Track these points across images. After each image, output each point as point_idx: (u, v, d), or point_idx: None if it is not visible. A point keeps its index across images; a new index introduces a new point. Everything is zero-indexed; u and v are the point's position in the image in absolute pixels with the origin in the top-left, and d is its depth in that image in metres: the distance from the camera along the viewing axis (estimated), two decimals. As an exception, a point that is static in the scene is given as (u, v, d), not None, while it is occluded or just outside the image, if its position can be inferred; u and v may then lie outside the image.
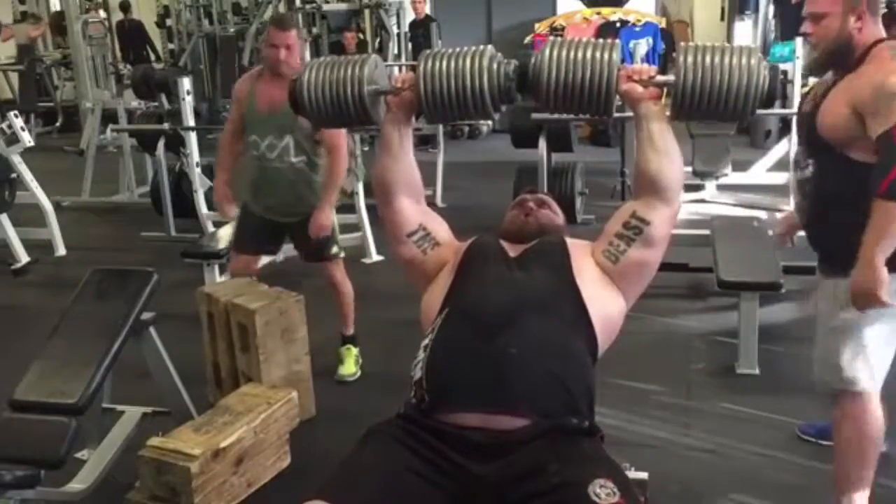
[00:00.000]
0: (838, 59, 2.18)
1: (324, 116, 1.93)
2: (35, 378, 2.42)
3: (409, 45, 9.25)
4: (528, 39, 9.47)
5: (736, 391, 3.26)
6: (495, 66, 1.81)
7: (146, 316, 2.64)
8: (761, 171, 6.19)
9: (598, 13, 9.39)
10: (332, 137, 3.27)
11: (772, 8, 8.99)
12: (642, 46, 8.19)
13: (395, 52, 9.12)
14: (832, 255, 2.23)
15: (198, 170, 5.45)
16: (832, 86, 2.20)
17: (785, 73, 5.81)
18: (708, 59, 1.72)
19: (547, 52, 1.78)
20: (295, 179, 3.32)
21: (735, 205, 5.80)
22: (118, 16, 12.19)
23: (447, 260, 1.96)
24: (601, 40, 1.81)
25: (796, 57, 5.82)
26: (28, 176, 5.52)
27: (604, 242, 1.89)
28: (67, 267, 5.35)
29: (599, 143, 8.29)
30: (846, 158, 2.13)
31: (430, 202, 5.95)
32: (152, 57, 11.98)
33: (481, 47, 1.84)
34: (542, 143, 5.34)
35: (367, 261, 5.14)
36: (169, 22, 12.52)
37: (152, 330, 2.69)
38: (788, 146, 5.73)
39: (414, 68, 1.87)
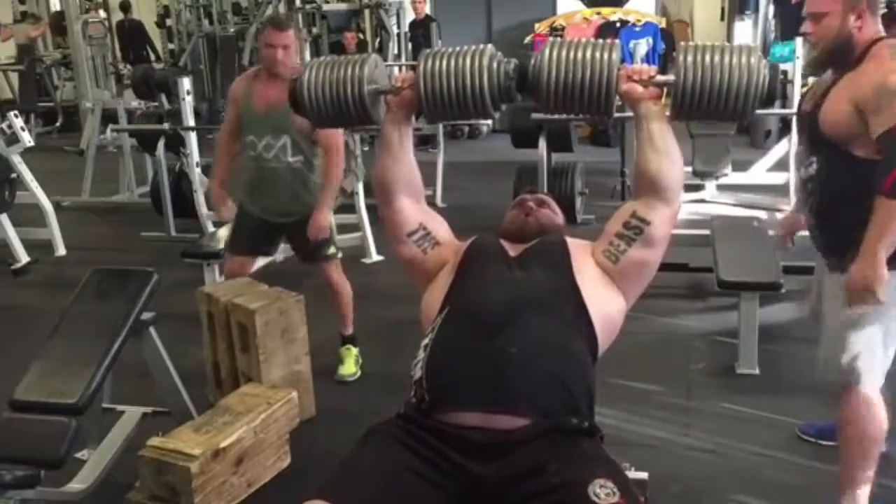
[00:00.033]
0: (838, 57, 2.20)
1: (324, 116, 1.93)
2: (35, 378, 2.42)
3: (409, 45, 9.25)
4: (528, 39, 9.47)
5: (736, 391, 3.26)
6: (495, 65, 1.81)
7: (146, 316, 2.64)
8: (761, 171, 6.19)
9: (598, 13, 9.39)
10: (329, 138, 3.27)
11: (772, 8, 8.99)
12: (642, 46, 8.19)
13: (395, 52, 9.12)
14: (839, 252, 2.23)
15: (198, 170, 5.45)
16: (833, 84, 2.21)
17: (785, 73, 5.81)
18: (708, 58, 1.72)
19: (546, 52, 1.78)
20: (292, 179, 3.32)
21: (735, 205, 5.80)
22: (118, 16, 12.19)
23: (447, 259, 1.96)
24: (601, 40, 1.81)
25: (796, 57, 5.82)
26: (28, 176, 5.53)
27: (604, 242, 1.89)
28: (67, 267, 5.35)
29: (599, 143, 8.29)
30: (849, 155, 2.15)
31: (430, 202, 5.95)
32: (152, 57, 11.98)
33: (481, 46, 1.84)
34: (542, 143, 5.35)
35: (367, 261, 5.14)
36: (169, 22, 12.52)
37: (152, 330, 2.68)
38: (788, 146, 5.74)
39: (414, 68, 1.88)
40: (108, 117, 7.45)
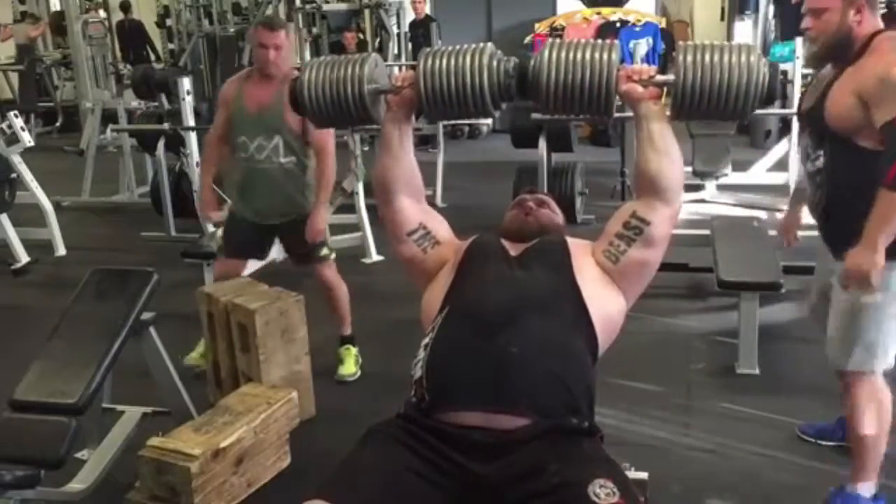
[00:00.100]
0: (838, 52, 2.23)
1: (324, 115, 1.93)
2: (35, 378, 2.42)
3: (409, 45, 9.25)
4: (528, 39, 9.47)
5: (736, 391, 3.26)
6: (495, 63, 1.81)
7: (146, 316, 2.63)
8: (761, 171, 6.20)
9: (598, 13, 9.38)
10: (320, 139, 3.27)
11: (772, 8, 8.99)
12: (642, 46, 8.19)
13: (395, 51, 9.12)
14: (848, 242, 2.23)
15: (198, 170, 5.44)
16: (835, 78, 2.23)
17: (785, 72, 5.81)
18: (707, 57, 1.72)
19: (546, 53, 1.78)
20: (284, 181, 3.31)
21: (735, 205, 5.80)
22: (118, 16, 12.19)
23: (447, 258, 1.96)
24: (600, 41, 1.81)
25: (796, 57, 5.82)
26: (28, 176, 5.53)
27: (604, 242, 1.89)
28: (67, 267, 5.35)
29: (599, 143, 8.30)
30: (856, 147, 2.18)
31: (430, 202, 5.92)
32: (152, 57, 11.98)
33: (481, 45, 1.84)
34: (542, 143, 5.35)
35: (367, 261, 5.14)
36: (169, 22, 12.51)
37: (152, 330, 2.68)
38: (788, 146, 5.74)
39: (414, 67, 1.87)
40: (108, 117, 7.45)
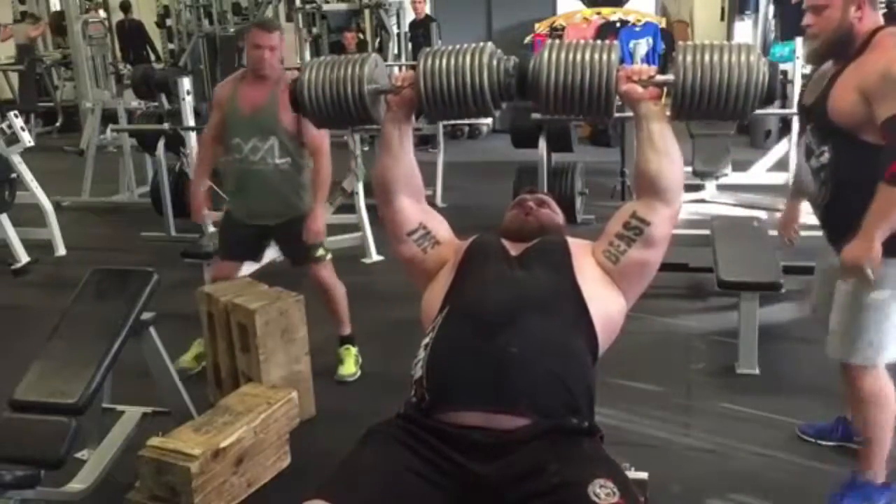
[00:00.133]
0: (838, 48, 2.25)
1: (324, 116, 1.93)
2: (35, 378, 2.42)
3: (409, 45, 9.25)
4: (528, 39, 9.46)
5: (736, 391, 3.26)
6: (495, 62, 1.81)
7: (146, 316, 2.63)
8: (761, 171, 6.19)
9: (598, 13, 9.38)
10: (315, 140, 3.27)
11: (772, 8, 8.99)
12: (642, 46, 8.18)
13: (395, 51, 9.12)
14: (852, 237, 2.24)
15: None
16: (837, 74, 2.25)
17: (785, 72, 5.81)
18: (707, 57, 1.72)
19: (545, 55, 1.78)
20: (279, 182, 3.31)
21: (735, 205, 5.80)
22: (118, 16, 12.20)
23: (448, 258, 1.96)
24: (599, 42, 1.80)
25: (796, 57, 5.82)
26: (28, 176, 5.53)
27: (604, 242, 1.88)
28: (67, 267, 5.35)
29: (599, 143, 8.30)
30: (860, 142, 2.20)
31: (430, 202, 5.91)
32: (152, 57, 11.98)
33: (481, 44, 1.83)
34: (542, 143, 5.35)
35: (367, 261, 5.14)
36: (169, 22, 12.51)
37: (152, 330, 2.68)
38: (788, 146, 5.74)
39: (414, 67, 1.87)
40: (108, 117, 7.45)
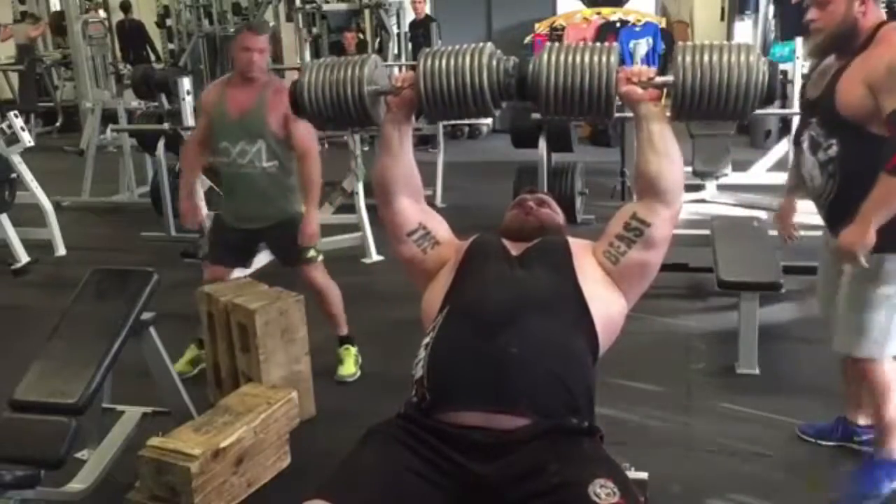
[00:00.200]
0: (842, 43, 2.28)
1: (324, 117, 1.93)
2: (35, 378, 2.42)
3: (409, 45, 9.25)
4: (528, 39, 9.47)
5: (736, 391, 3.26)
6: (495, 62, 1.81)
7: (146, 316, 2.63)
8: (761, 171, 6.19)
9: (598, 13, 9.38)
10: (303, 143, 3.27)
11: (772, 8, 8.99)
12: (642, 46, 8.18)
13: (395, 52, 9.12)
14: None
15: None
16: (843, 68, 2.27)
17: (785, 72, 5.81)
18: (706, 57, 1.72)
19: (545, 57, 1.78)
20: (267, 185, 3.31)
21: (735, 205, 5.80)
22: (118, 16, 12.20)
23: (448, 258, 1.96)
24: (598, 44, 1.81)
25: (796, 57, 5.82)
26: (28, 176, 5.53)
27: (604, 243, 1.89)
28: (67, 267, 5.35)
29: (599, 143, 8.30)
30: (868, 134, 2.22)
31: (430, 202, 5.94)
32: (152, 57, 11.98)
33: (480, 44, 1.83)
34: (542, 143, 5.35)
35: (367, 261, 5.14)
36: (169, 22, 12.52)
37: (152, 330, 2.68)
38: (788, 146, 5.74)
39: (413, 67, 1.88)
40: (108, 117, 7.45)
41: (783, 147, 6.08)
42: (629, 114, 1.89)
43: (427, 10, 9.41)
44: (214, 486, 2.48)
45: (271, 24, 10.88)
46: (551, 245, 1.94)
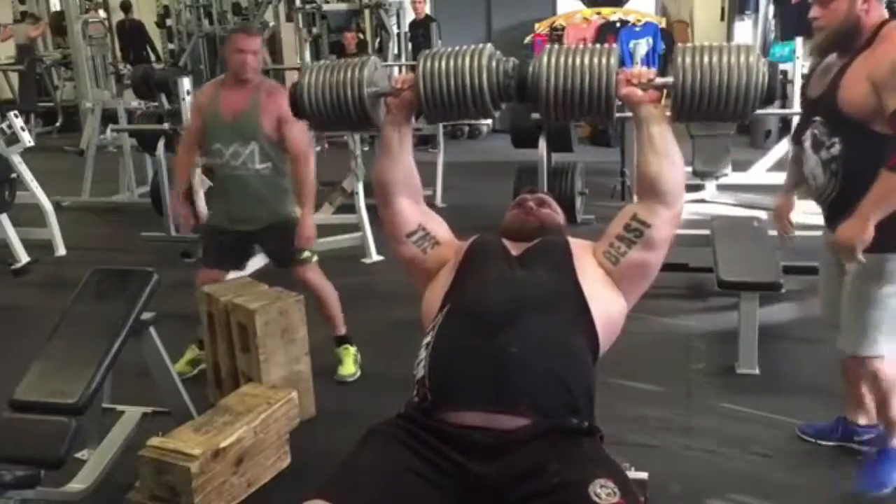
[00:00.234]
0: (844, 41, 2.29)
1: (324, 119, 1.94)
2: (35, 378, 2.42)
3: (409, 45, 9.25)
4: (528, 39, 9.47)
5: (736, 391, 3.26)
6: (494, 63, 1.81)
7: (146, 316, 2.63)
8: (761, 171, 6.19)
9: (598, 13, 9.38)
10: (296, 145, 3.26)
11: (772, 8, 9.00)
12: (642, 46, 8.18)
13: (395, 52, 9.11)
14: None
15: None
16: (846, 66, 2.28)
17: (785, 72, 5.81)
18: (706, 59, 1.72)
19: (544, 59, 1.78)
20: (260, 186, 3.31)
21: (735, 205, 5.80)
22: (118, 16, 12.20)
23: (448, 258, 1.96)
24: (598, 45, 1.81)
25: (796, 57, 5.81)
26: (28, 176, 5.53)
27: (605, 244, 1.89)
28: (67, 267, 5.36)
29: (599, 143, 8.30)
30: (872, 132, 2.23)
31: (430, 202, 5.95)
32: (152, 57, 11.98)
33: (480, 45, 1.84)
34: (542, 143, 5.34)
35: (367, 261, 5.14)
36: (169, 22, 12.52)
37: (152, 330, 2.68)
38: (788, 146, 5.73)
39: (413, 68, 1.88)
40: (108, 117, 7.45)
41: (783, 147, 6.08)
42: (629, 114, 1.89)
43: (427, 10, 9.41)
44: (214, 486, 2.48)
45: (271, 24, 10.91)
46: (551, 245, 1.94)
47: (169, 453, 2.45)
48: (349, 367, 3.52)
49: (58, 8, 11.99)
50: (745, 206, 5.69)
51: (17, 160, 5.40)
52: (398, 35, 9.24)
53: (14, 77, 11.57)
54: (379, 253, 5.14)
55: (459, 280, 1.87)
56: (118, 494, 2.53)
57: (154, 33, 12.59)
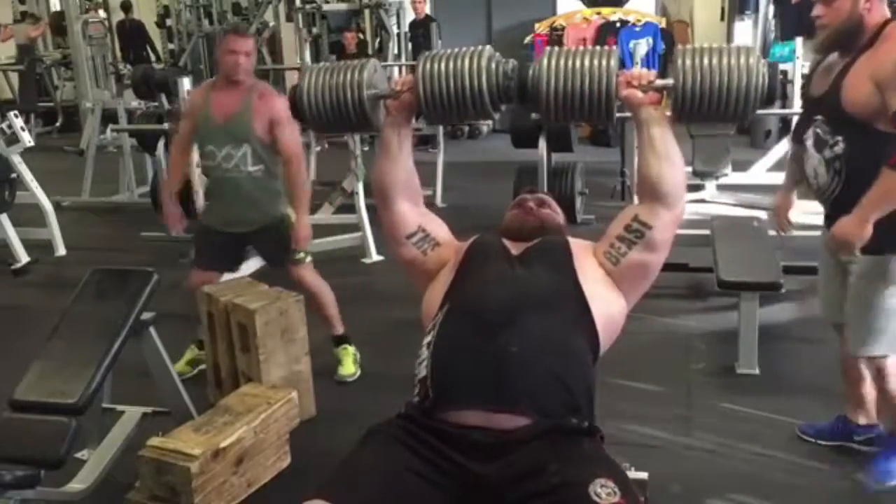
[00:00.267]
0: (846, 40, 2.29)
1: (324, 122, 1.94)
2: (35, 378, 2.42)
3: (409, 45, 9.25)
4: (528, 39, 9.47)
5: (736, 391, 3.26)
6: (493, 65, 1.82)
7: (146, 316, 2.63)
8: (761, 171, 6.19)
9: (598, 13, 9.37)
10: (288, 147, 3.26)
11: (772, 8, 9.00)
12: (642, 46, 8.18)
13: (395, 52, 9.12)
14: (875, 230, 2.27)
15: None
16: (849, 65, 2.28)
17: (785, 72, 5.81)
18: (706, 61, 1.72)
19: (545, 62, 1.79)
20: (252, 189, 3.30)
21: (735, 205, 5.79)
22: (118, 16, 12.20)
23: (448, 259, 1.96)
24: (598, 48, 1.81)
25: (796, 57, 5.81)
26: (28, 176, 5.52)
27: (605, 244, 1.89)
28: (67, 267, 5.36)
29: (599, 143, 8.30)
30: (875, 131, 2.23)
31: (430, 202, 5.97)
32: (152, 57, 11.98)
33: (479, 47, 1.84)
34: (542, 143, 5.34)
35: (367, 261, 5.14)
36: (169, 22, 12.52)
37: (152, 330, 2.68)
38: (788, 146, 5.73)
39: (413, 69, 1.88)
40: (108, 117, 7.45)
41: (783, 147, 6.07)
42: (629, 114, 1.89)
43: (427, 10, 9.41)
44: (214, 486, 2.48)
45: (271, 24, 10.91)
46: (552, 245, 1.94)
47: (169, 453, 2.45)
48: (349, 366, 3.52)
49: (58, 8, 11.99)
50: (745, 206, 5.69)
51: (17, 160, 5.40)
52: (398, 35, 9.25)
53: (14, 77, 11.57)
54: (379, 253, 5.14)
55: (459, 279, 1.87)
56: (118, 494, 2.53)
57: (154, 33, 12.59)
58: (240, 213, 3.34)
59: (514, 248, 1.93)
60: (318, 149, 7.14)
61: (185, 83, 5.37)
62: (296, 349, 3.16)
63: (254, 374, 3.04)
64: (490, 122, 8.80)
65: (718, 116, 1.77)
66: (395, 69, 8.44)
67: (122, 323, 2.54)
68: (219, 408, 2.76)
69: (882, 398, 2.58)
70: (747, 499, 2.59)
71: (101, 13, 11.98)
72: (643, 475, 1.96)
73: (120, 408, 2.84)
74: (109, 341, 2.48)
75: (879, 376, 2.50)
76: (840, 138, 2.31)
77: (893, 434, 2.59)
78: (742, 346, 3.42)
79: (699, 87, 1.72)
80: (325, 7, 9.60)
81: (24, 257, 5.33)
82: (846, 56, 2.31)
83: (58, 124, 10.99)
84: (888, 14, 2.30)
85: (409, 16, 9.47)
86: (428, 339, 1.77)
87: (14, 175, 5.36)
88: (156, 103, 6.71)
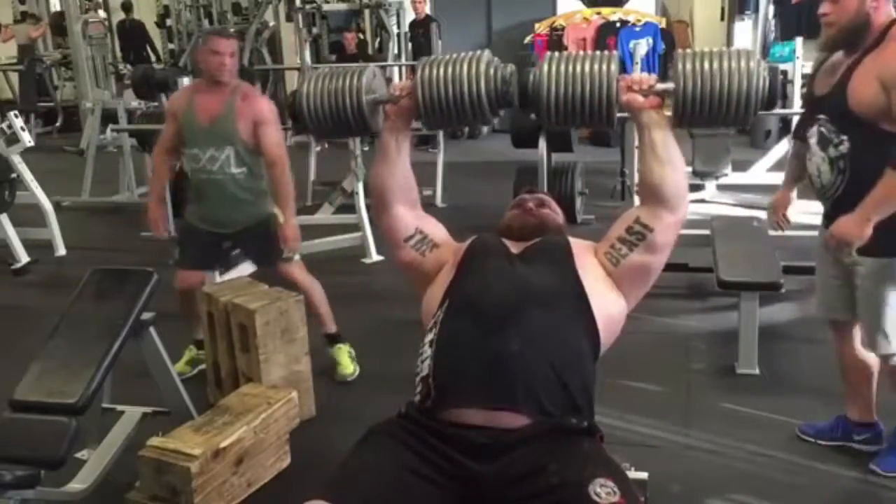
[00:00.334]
0: (852, 38, 2.29)
1: (324, 127, 1.95)
2: (35, 378, 2.42)
3: (409, 46, 9.25)
4: (528, 39, 9.47)
5: (736, 391, 3.26)
6: (492, 70, 1.82)
7: (146, 316, 2.63)
8: (761, 171, 6.19)
9: (598, 13, 9.37)
10: (271, 150, 3.24)
11: (772, 8, 9.00)
12: (642, 46, 8.17)
13: (395, 52, 9.12)
14: (877, 231, 2.27)
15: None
16: (854, 64, 2.29)
17: (785, 73, 5.81)
18: (706, 64, 1.72)
19: (545, 67, 1.79)
20: (236, 190, 3.29)
21: (735, 205, 5.80)
22: (118, 16, 12.20)
23: (446, 260, 1.96)
24: (598, 52, 1.82)
25: (796, 57, 5.81)
26: (28, 176, 5.52)
27: (606, 245, 1.89)
28: (67, 267, 5.35)
29: (599, 143, 8.28)
30: (881, 130, 2.24)
31: (430, 202, 5.98)
32: (152, 57, 11.98)
33: (478, 52, 1.85)
34: (542, 143, 5.34)
35: (367, 261, 5.14)
36: (169, 22, 12.52)
37: (152, 330, 2.68)
38: (788, 146, 5.73)
39: (412, 73, 1.89)
40: (108, 117, 7.45)
41: (783, 147, 6.07)
42: (629, 114, 1.89)
43: (427, 10, 9.40)
44: (214, 486, 2.48)
45: (271, 24, 10.90)
46: (552, 244, 1.94)
47: (169, 453, 2.46)
48: (347, 365, 3.51)
49: (58, 8, 11.99)
50: (745, 206, 5.69)
51: (17, 160, 5.40)
52: (398, 35, 9.25)
53: (14, 77, 11.57)
54: (379, 253, 5.13)
55: (460, 276, 1.87)
56: (118, 494, 2.53)
57: (154, 33, 12.58)
58: (224, 215, 3.34)
59: (514, 247, 1.94)
60: (318, 149, 7.13)
61: (185, 83, 5.37)
62: (296, 349, 3.16)
63: (254, 374, 3.04)
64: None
65: (719, 120, 1.77)
66: (396, 69, 8.44)
67: (122, 323, 2.54)
68: (219, 408, 2.76)
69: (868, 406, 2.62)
70: (747, 499, 2.59)
71: (101, 13, 11.97)
72: (643, 475, 1.96)
73: (120, 408, 2.83)
74: (109, 341, 2.48)
75: (890, 375, 2.53)
76: (845, 137, 2.32)
77: None
78: (742, 346, 3.42)
79: (700, 91, 1.72)
80: (325, 7, 9.61)
81: (24, 257, 5.32)
82: (851, 55, 2.32)
83: (58, 124, 10.98)
84: (894, 14, 2.30)
85: (410, 16, 9.47)
86: (430, 336, 1.77)
87: (14, 175, 5.36)
88: (156, 103, 6.72)
